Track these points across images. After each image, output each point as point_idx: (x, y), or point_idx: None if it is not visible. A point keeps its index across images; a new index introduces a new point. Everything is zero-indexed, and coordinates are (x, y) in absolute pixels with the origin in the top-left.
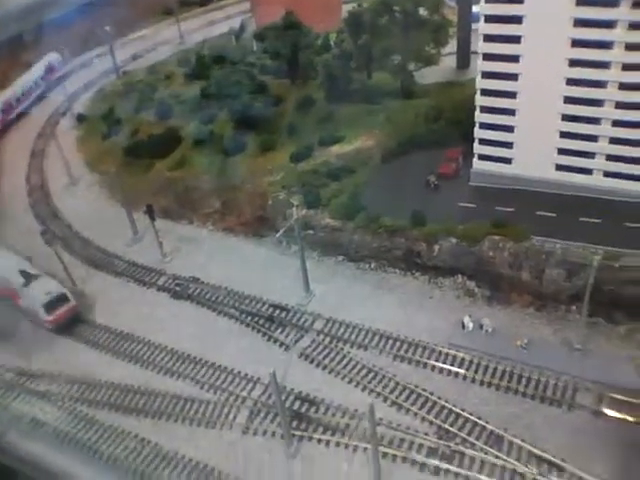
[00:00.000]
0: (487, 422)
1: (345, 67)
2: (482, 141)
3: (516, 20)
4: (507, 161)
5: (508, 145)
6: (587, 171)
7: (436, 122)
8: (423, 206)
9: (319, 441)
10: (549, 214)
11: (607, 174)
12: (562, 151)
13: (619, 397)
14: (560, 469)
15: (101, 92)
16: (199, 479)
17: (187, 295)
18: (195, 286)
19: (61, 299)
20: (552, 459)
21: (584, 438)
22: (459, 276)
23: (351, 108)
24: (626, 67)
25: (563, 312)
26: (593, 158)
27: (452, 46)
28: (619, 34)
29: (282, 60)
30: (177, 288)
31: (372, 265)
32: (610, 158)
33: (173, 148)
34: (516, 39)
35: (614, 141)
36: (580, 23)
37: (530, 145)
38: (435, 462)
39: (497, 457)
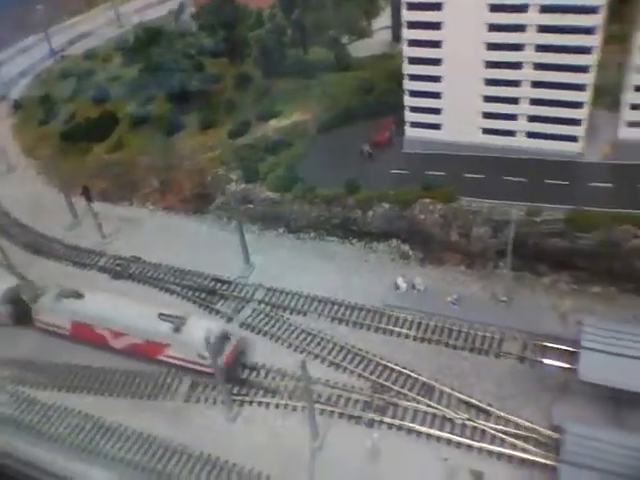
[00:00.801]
0: (419, 374)
1: (279, 42)
2: (412, 109)
3: None
4: (436, 127)
5: (436, 111)
6: (511, 133)
7: (370, 93)
8: (358, 174)
9: (259, 404)
10: (477, 176)
11: (529, 135)
12: (487, 115)
13: (541, 344)
14: (487, 413)
15: (38, 78)
16: (142, 448)
17: (128, 274)
18: (136, 265)
19: (225, 337)
20: (479, 404)
21: (510, 384)
22: (393, 240)
23: (288, 83)
24: (542, 29)
25: (491, 268)
26: (515, 120)
27: (388, 19)
28: None
29: (218, 38)
30: (118, 268)
31: (311, 235)
32: (531, 119)
33: (111, 130)
34: (437, 6)
35: (534, 102)
36: None
37: (457, 110)
38: (370, 415)
39: (428, 406)
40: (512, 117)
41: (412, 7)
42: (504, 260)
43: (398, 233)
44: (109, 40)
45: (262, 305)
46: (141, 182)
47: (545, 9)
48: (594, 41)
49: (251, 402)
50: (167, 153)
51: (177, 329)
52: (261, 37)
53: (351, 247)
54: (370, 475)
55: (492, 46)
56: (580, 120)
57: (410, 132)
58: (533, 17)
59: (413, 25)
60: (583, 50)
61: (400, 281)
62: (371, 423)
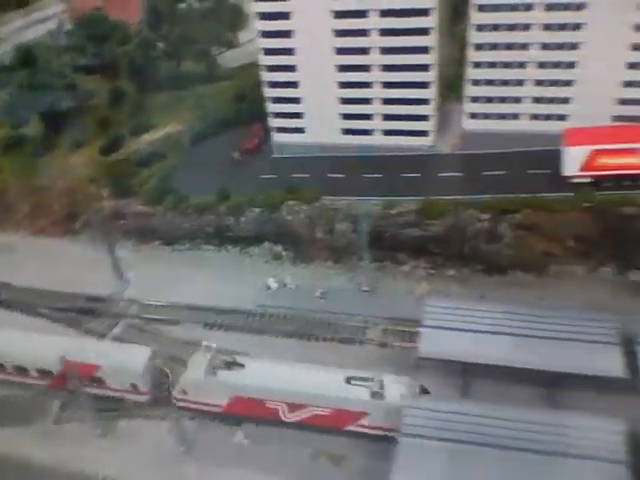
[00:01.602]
0: None
1: (148, 57)
2: (275, 115)
3: None
4: (300, 131)
5: (298, 116)
6: (368, 132)
7: (241, 102)
8: (230, 182)
9: (130, 417)
10: (339, 175)
11: (385, 132)
12: (345, 116)
13: (399, 328)
14: None
15: None
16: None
17: None
18: (6, 291)
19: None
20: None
21: (372, 369)
22: (266, 243)
23: (162, 96)
24: (384, 32)
25: (355, 261)
26: (371, 119)
27: None
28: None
29: (89, 54)
30: None
31: (187, 245)
32: (385, 118)
33: None
34: (286, 15)
35: (386, 102)
36: None
37: (317, 113)
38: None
39: None
40: (368, 117)
41: (264, 17)
42: (368, 253)
43: (270, 236)
44: None
45: (136, 320)
46: (13, 207)
47: (384, 13)
48: (430, 41)
49: (121, 416)
50: (38, 175)
51: (376, 394)
52: (129, 52)
53: (227, 254)
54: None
55: (341, 51)
56: (428, 116)
57: (277, 137)
58: (375, 21)
59: (267, 34)
60: (422, 50)
61: (271, 281)
62: (239, 422)
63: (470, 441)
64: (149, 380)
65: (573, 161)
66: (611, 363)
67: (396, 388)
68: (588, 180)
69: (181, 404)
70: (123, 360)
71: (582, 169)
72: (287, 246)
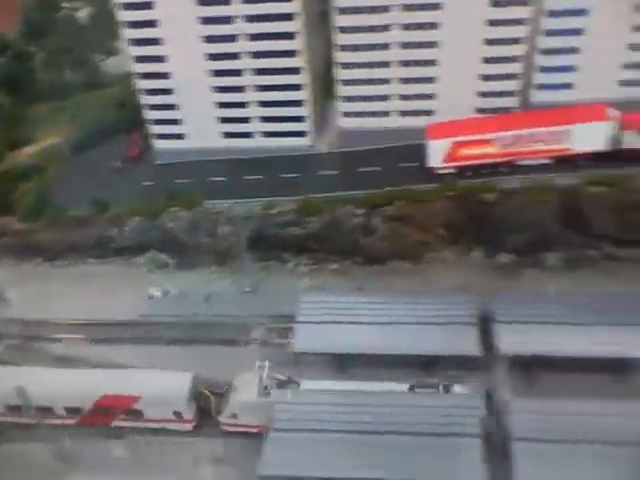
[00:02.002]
0: None
1: (25, 68)
2: (155, 121)
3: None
4: (180, 137)
5: (177, 122)
6: (248, 135)
7: (122, 109)
8: (112, 191)
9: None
10: (221, 178)
11: (264, 134)
12: (224, 120)
13: (282, 325)
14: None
15: None
16: None
17: None
18: None
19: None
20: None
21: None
22: (151, 251)
23: (43, 107)
24: (253, 37)
25: (239, 263)
26: (249, 122)
27: None
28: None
29: None
30: None
31: (70, 260)
32: (263, 120)
33: None
34: (153, 23)
35: (263, 104)
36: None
37: (196, 119)
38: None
39: None
40: (246, 120)
41: (132, 25)
42: (252, 254)
43: (154, 244)
44: None
45: (17, 340)
46: None
47: (250, 18)
48: (297, 45)
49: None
50: None
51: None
52: (3, 64)
53: (112, 265)
54: None
55: (212, 56)
56: (304, 117)
57: (158, 144)
58: (242, 27)
59: (136, 42)
60: (290, 53)
61: (153, 290)
62: (120, 435)
63: (334, 430)
64: (193, 407)
65: (437, 153)
66: (468, 343)
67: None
68: (452, 170)
69: (229, 429)
70: (163, 389)
71: (445, 160)
72: (171, 253)
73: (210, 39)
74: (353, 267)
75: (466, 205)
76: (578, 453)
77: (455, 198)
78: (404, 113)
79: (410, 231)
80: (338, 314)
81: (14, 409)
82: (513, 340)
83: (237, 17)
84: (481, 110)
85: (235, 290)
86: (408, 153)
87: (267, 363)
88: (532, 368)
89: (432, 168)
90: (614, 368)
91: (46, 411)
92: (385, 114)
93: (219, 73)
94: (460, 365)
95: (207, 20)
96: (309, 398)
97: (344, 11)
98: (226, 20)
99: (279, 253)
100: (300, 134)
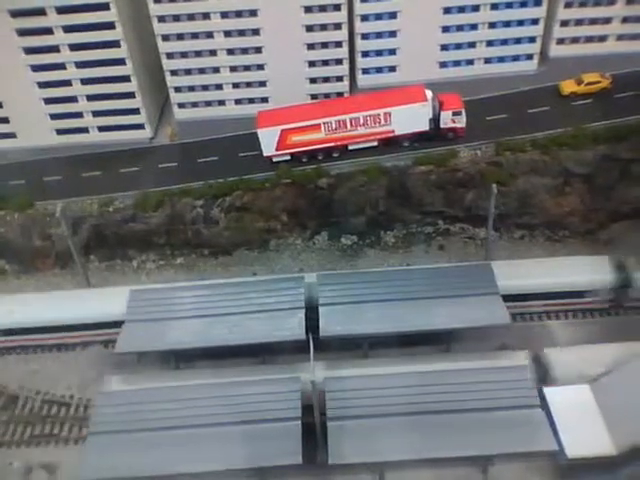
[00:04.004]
0: (4, 387)
1: None
2: None
3: None
4: (11, 136)
5: (4, 120)
6: (84, 130)
7: None
8: None
9: None
10: (56, 177)
11: (101, 129)
12: (53, 116)
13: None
14: (68, 406)
15: None
16: None
17: None
18: None
19: None
20: (61, 400)
21: (92, 370)
22: None
23: None
24: (71, 29)
25: (81, 263)
26: (82, 117)
27: None
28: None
29: None
30: None
31: None
32: (96, 114)
33: None
34: None
35: (93, 98)
36: None
37: (23, 116)
38: None
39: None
40: (78, 115)
41: None
42: (95, 253)
43: None
44: None
45: None
46: None
47: (62, 10)
48: (118, 35)
49: None
50: None
51: None
52: None
53: None
54: None
55: (30, 50)
56: (138, 109)
57: None
58: (55, 19)
59: None
60: (113, 44)
61: None
62: None
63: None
64: None
65: (268, 141)
66: (294, 327)
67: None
68: (287, 157)
69: None
70: None
71: (277, 148)
72: (10, 260)
73: (24, 32)
74: (199, 260)
75: (303, 191)
76: (387, 425)
77: (292, 185)
78: (239, 101)
79: (253, 219)
80: (164, 310)
81: None
82: (333, 321)
83: (49, 8)
84: (314, 96)
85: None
86: (247, 142)
87: None
88: (351, 347)
89: (268, 156)
90: (440, 340)
91: None
92: (221, 103)
93: (40, 68)
94: (290, 350)
95: (21, 13)
96: (127, 398)
97: (158, 0)
98: (39, 12)
99: (125, 250)
100: (139, 127)
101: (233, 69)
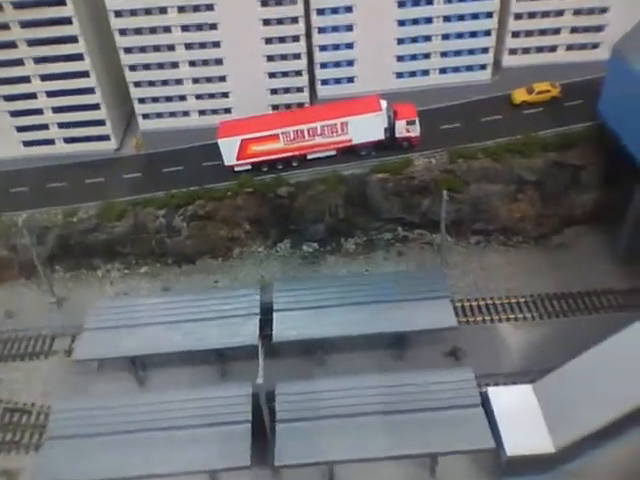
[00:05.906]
0: None
1: None
2: None
3: None
4: None
5: None
6: (50, 142)
7: None
8: None
9: None
10: (22, 189)
11: (67, 140)
12: (20, 128)
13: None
14: (30, 413)
15: None
16: None
17: None
18: None
19: None
20: (23, 407)
21: (58, 377)
22: None
23: None
24: (33, 42)
25: (49, 273)
26: (48, 129)
27: None
28: None
29: None
30: None
31: None
32: (61, 126)
33: None
34: None
35: (58, 110)
36: None
37: None
38: None
39: None
40: (44, 127)
41: None
42: (60, 263)
43: None
44: None
45: None
46: None
47: (19, 5)
48: (80, 48)
49: None
50: None
51: None
52: None
53: None
54: None
55: None
56: (104, 120)
57: None
58: (12, 14)
59: None
60: (75, 57)
61: None
62: None
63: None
64: None
65: (229, 151)
66: (248, 333)
67: None
68: (248, 167)
69: None
70: None
71: (238, 158)
72: None
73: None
74: (163, 268)
75: (264, 200)
76: (335, 427)
77: (253, 194)
78: (202, 112)
79: (216, 228)
80: (125, 317)
81: None
82: (287, 326)
83: (13, 21)
84: (275, 107)
85: (42, 302)
86: (211, 152)
87: None
88: (307, 352)
89: (230, 166)
90: (392, 344)
91: None
92: (185, 114)
93: (4, 81)
94: (244, 356)
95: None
96: (85, 404)
97: (119, 14)
98: (5, 26)
99: (89, 260)
100: (104, 138)
101: (195, 81)
